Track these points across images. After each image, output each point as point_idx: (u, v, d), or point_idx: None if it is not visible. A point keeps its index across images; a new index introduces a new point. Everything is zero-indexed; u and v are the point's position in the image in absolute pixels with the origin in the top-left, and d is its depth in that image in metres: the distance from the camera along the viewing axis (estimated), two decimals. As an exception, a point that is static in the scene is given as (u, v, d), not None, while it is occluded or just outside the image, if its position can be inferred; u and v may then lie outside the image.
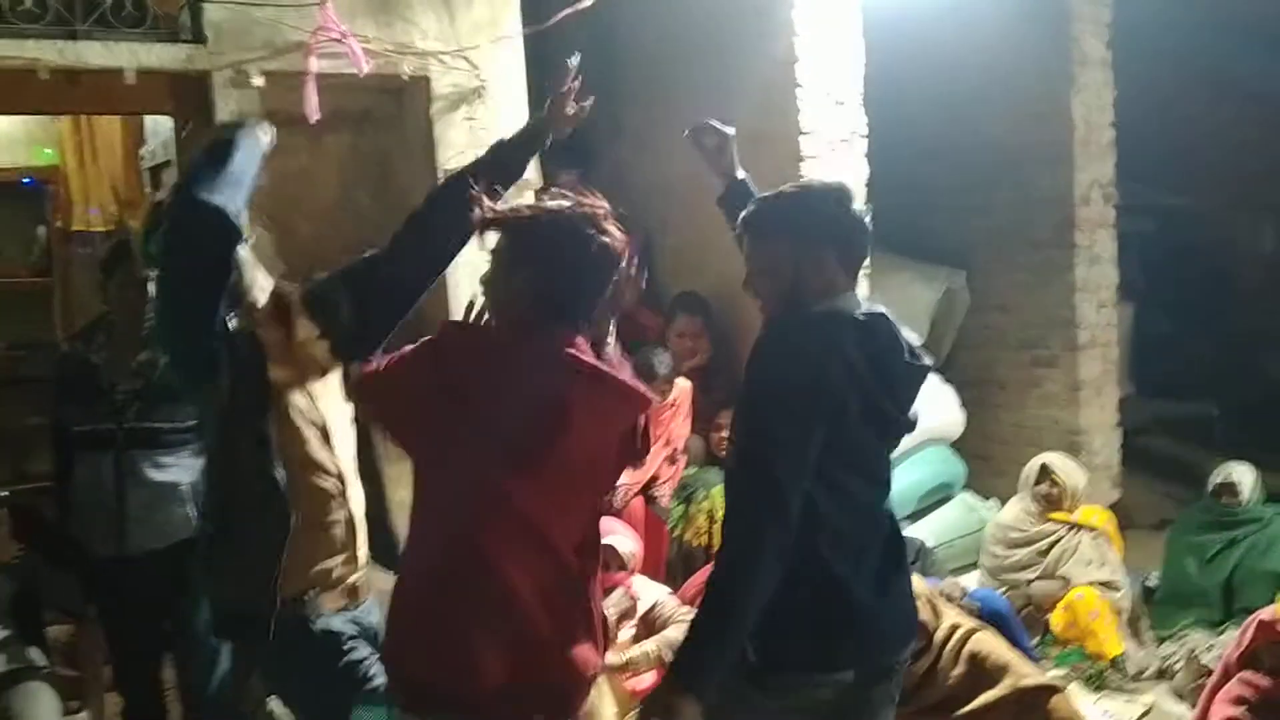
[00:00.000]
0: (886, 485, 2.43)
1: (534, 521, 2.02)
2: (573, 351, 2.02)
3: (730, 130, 2.68)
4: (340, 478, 2.53)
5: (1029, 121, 5.69)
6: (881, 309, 2.36)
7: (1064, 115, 5.58)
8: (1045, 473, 4.79)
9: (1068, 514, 4.78)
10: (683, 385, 4.54)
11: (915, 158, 5.76)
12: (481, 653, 1.99)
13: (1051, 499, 4.77)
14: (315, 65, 3.62)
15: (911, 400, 2.37)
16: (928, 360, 2.37)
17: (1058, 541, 4.75)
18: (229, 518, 2.49)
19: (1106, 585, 4.59)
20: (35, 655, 3.40)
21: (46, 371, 5.77)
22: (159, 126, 4.45)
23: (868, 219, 2.33)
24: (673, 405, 4.48)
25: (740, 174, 2.70)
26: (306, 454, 2.47)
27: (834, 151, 4.54)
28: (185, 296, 2.37)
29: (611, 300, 2.12)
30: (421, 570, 2.08)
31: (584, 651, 2.09)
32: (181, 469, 3.27)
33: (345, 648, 2.50)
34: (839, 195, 2.33)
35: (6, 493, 3.22)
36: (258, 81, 3.64)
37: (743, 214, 2.37)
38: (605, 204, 2.12)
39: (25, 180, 6.07)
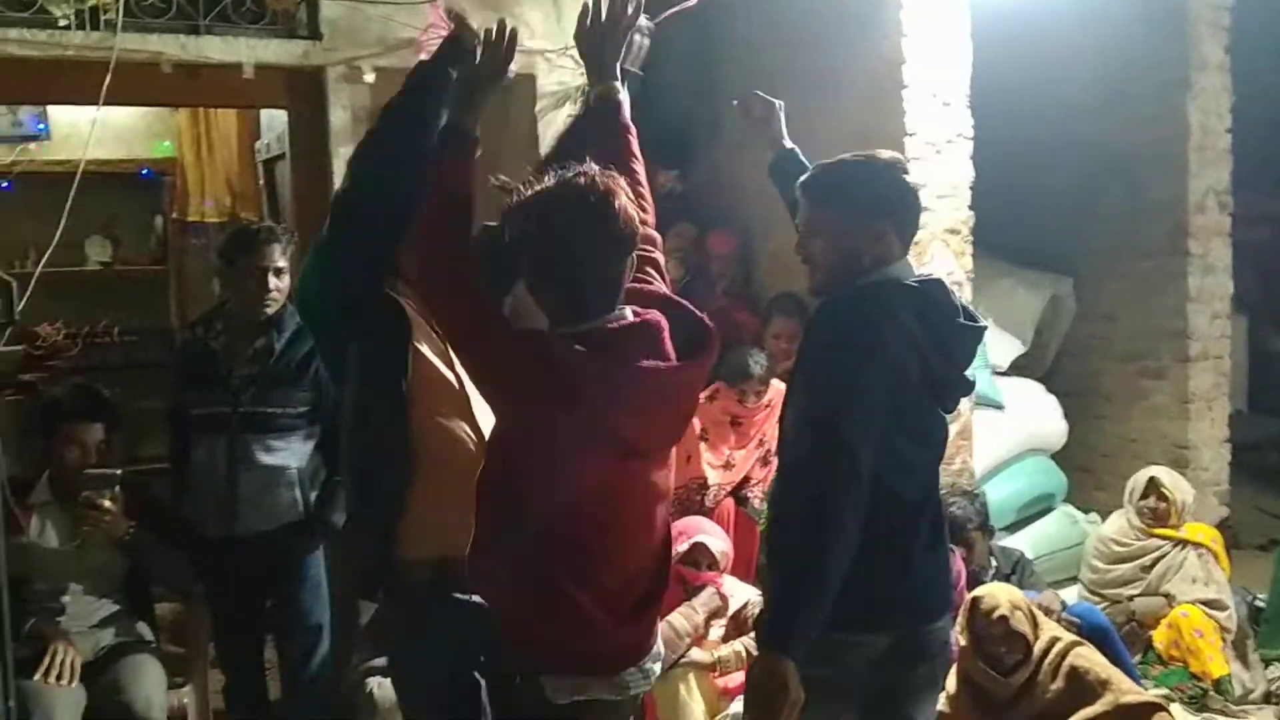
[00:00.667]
0: (939, 447, 2.47)
1: (658, 487, 2.11)
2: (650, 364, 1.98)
3: (778, 101, 2.75)
4: (479, 442, 2.44)
5: (1142, 126, 5.53)
6: (935, 275, 2.45)
7: (1179, 120, 5.41)
8: (1153, 486, 4.66)
9: (1174, 530, 4.65)
10: (778, 387, 4.51)
11: (1023, 161, 5.64)
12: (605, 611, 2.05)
13: (1158, 514, 4.64)
14: (425, 62, 3.69)
15: (969, 360, 2.41)
16: (983, 322, 2.40)
17: (1162, 557, 4.62)
18: (365, 479, 2.49)
19: (1212, 604, 4.47)
20: (143, 630, 3.51)
21: (159, 357, 6.05)
22: (274, 120, 4.56)
23: (921, 193, 2.41)
24: (767, 406, 4.45)
25: (788, 143, 2.73)
26: (443, 418, 2.42)
27: (939, 153, 4.47)
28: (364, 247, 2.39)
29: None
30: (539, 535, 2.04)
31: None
32: (291, 453, 3.36)
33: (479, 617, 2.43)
34: (898, 167, 2.39)
35: (120, 472, 3.32)
36: (369, 77, 3.73)
37: (802, 178, 2.42)
38: (619, 179, 2.03)
39: (144, 171, 6.26)
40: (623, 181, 2.04)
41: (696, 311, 2.10)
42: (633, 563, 2.11)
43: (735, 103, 2.78)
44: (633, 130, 2.36)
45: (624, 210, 1.95)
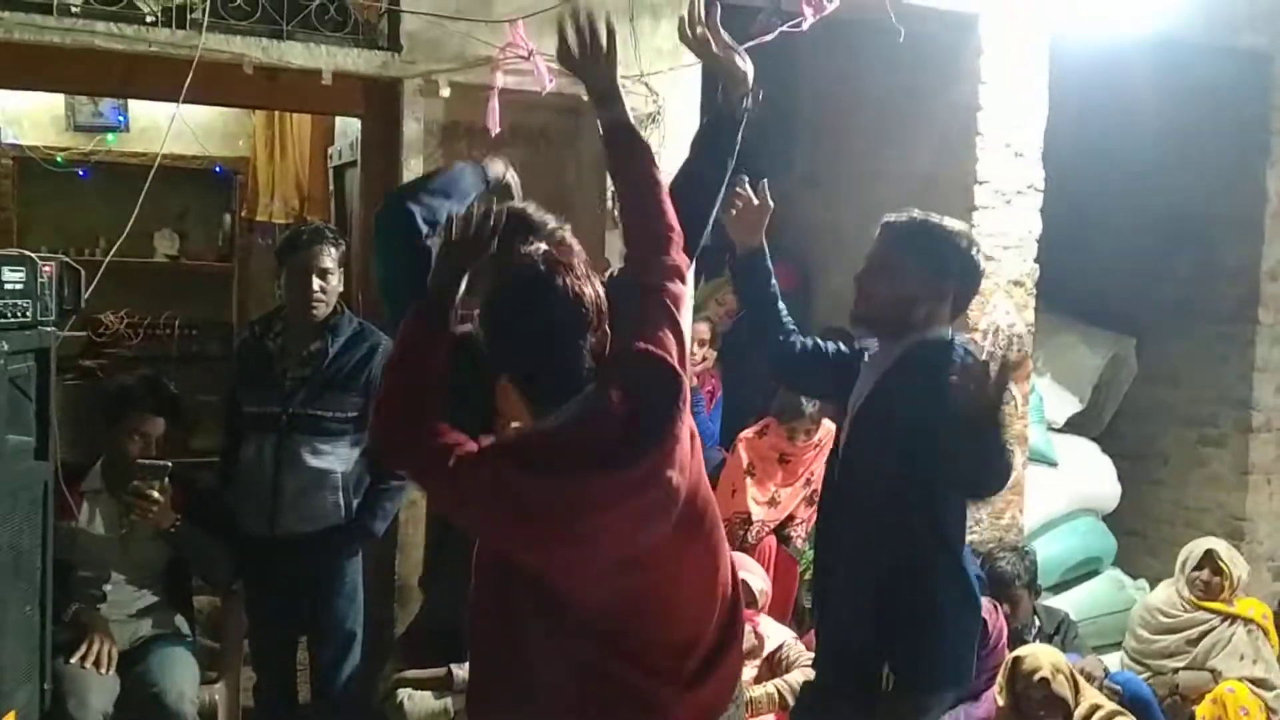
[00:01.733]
0: None
1: (690, 554, 1.99)
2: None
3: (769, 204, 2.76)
4: None
5: (1218, 189, 5.45)
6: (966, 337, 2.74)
7: (1257, 185, 5.33)
8: (1209, 559, 4.55)
9: (1224, 604, 4.54)
10: (829, 426, 4.47)
11: (1093, 217, 5.58)
12: None
13: (1211, 587, 4.53)
14: (501, 80, 3.72)
15: None
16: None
17: (1210, 631, 4.51)
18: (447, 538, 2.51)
19: (1260, 683, 4.36)
20: (181, 623, 3.53)
21: (217, 352, 6.13)
22: (348, 128, 4.62)
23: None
24: (817, 446, 4.42)
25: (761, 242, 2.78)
26: None
27: (1008, 203, 4.44)
28: (387, 286, 2.49)
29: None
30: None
31: None
32: (337, 458, 3.38)
33: None
34: (972, 241, 2.56)
35: (171, 464, 3.35)
36: (445, 92, 3.76)
37: (889, 218, 2.54)
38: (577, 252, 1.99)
39: (216, 169, 6.37)
40: (575, 251, 2.03)
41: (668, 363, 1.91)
42: (682, 633, 1.98)
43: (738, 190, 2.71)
44: (648, 151, 2.15)
45: (569, 290, 1.88)
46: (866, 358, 2.61)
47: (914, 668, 2.38)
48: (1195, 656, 4.49)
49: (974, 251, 2.53)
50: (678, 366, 1.92)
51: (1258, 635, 4.51)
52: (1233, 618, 4.52)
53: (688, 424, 1.93)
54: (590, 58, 2.12)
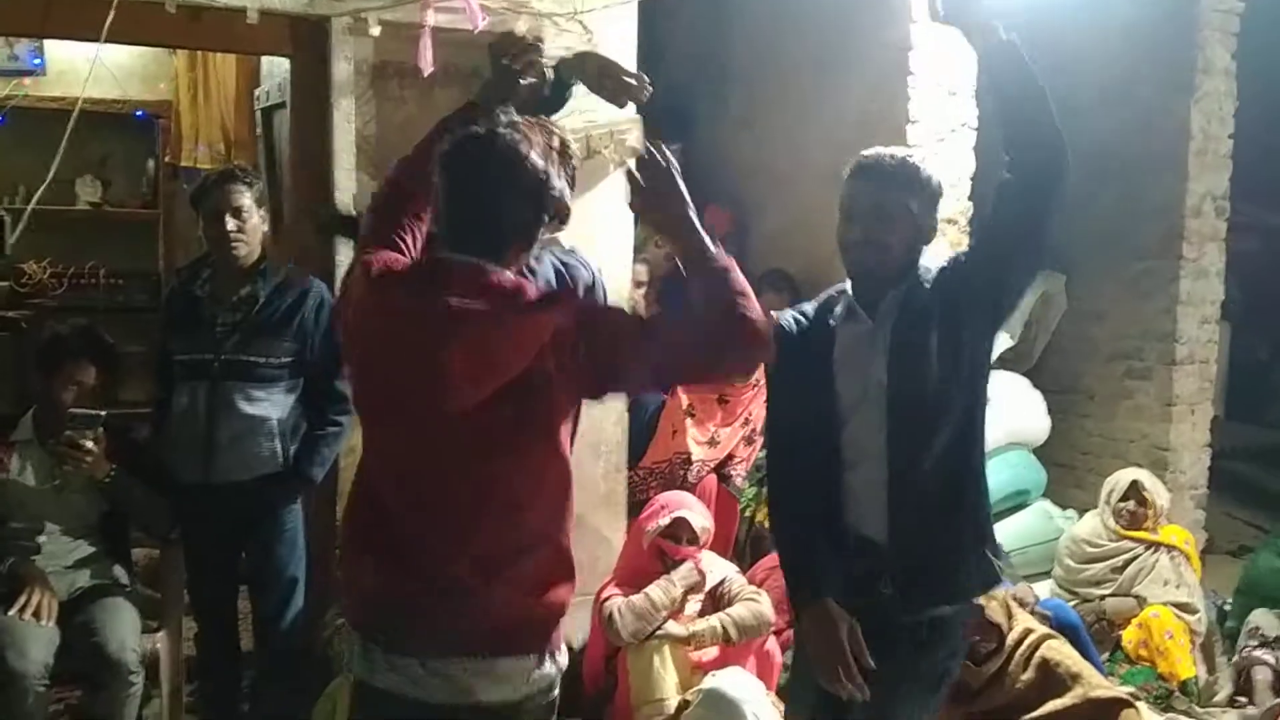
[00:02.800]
0: None
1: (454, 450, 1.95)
2: (454, 301, 1.87)
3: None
4: None
5: (1144, 127, 5.53)
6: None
7: (1181, 123, 5.41)
8: (1134, 489, 4.68)
9: (1148, 532, 4.68)
10: (767, 366, 4.52)
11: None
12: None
13: (1136, 517, 4.67)
14: (432, 19, 3.65)
15: None
16: None
17: (1135, 559, 4.66)
18: None
19: (1182, 607, 4.51)
20: (119, 574, 3.50)
21: (144, 301, 6.01)
22: (274, 69, 4.50)
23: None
24: (754, 385, 4.46)
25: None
26: None
27: (941, 142, 4.46)
28: None
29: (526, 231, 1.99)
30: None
31: None
32: (272, 404, 3.34)
33: None
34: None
35: (105, 413, 3.30)
36: (375, 30, 3.68)
37: (867, 164, 2.41)
38: (554, 131, 2.04)
39: (138, 113, 6.19)
40: (550, 134, 2.07)
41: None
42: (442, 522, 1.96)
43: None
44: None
45: (512, 150, 1.95)
46: (836, 314, 2.48)
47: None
48: (1121, 583, 4.64)
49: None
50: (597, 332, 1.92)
51: (1180, 561, 4.66)
52: (1156, 545, 4.66)
53: (555, 376, 1.88)
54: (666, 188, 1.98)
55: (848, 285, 2.49)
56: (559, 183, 2.00)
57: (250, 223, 3.35)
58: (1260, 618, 4.51)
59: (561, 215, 2.04)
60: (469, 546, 1.94)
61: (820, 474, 2.41)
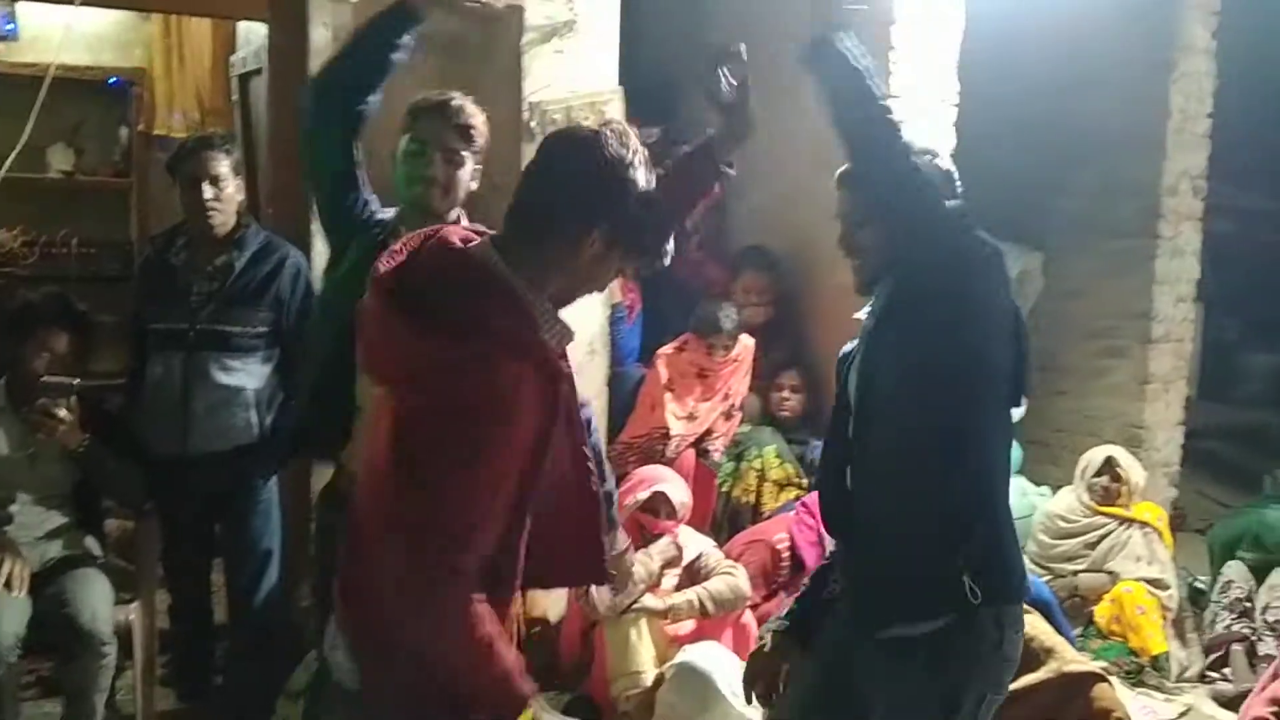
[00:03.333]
0: None
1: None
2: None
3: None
4: None
5: (1123, 105, 5.52)
6: None
7: (1160, 102, 5.42)
8: (1109, 466, 4.71)
9: (1121, 509, 4.71)
10: (746, 343, 4.51)
11: (999, 133, 5.62)
12: None
13: (1110, 493, 4.69)
14: (411, -15, 3.60)
15: None
16: None
17: (1108, 535, 4.69)
18: None
19: (1155, 583, 4.54)
20: (92, 545, 3.46)
21: (117, 271, 5.93)
22: (251, 35, 4.45)
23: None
24: (735, 360, 4.46)
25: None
26: None
27: (922, 116, 4.45)
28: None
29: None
30: None
31: None
32: (248, 374, 3.32)
33: None
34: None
35: (78, 382, 3.26)
36: (353, -4, 3.64)
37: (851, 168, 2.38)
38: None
39: (112, 80, 6.10)
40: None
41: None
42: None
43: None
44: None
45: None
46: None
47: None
48: (1094, 559, 4.67)
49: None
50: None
51: (1153, 537, 4.69)
52: (1129, 521, 4.69)
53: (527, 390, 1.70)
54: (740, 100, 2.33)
55: None
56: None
57: (226, 191, 3.31)
58: (1233, 569, 4.57)
59: None
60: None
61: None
